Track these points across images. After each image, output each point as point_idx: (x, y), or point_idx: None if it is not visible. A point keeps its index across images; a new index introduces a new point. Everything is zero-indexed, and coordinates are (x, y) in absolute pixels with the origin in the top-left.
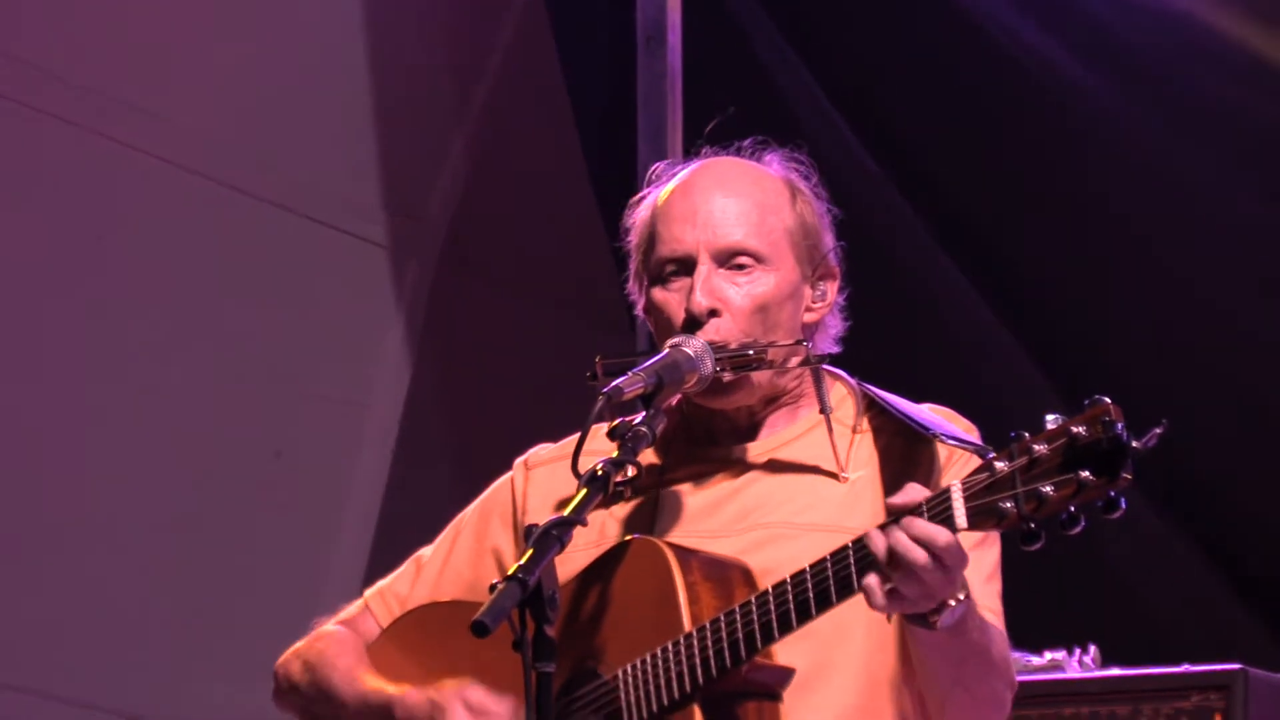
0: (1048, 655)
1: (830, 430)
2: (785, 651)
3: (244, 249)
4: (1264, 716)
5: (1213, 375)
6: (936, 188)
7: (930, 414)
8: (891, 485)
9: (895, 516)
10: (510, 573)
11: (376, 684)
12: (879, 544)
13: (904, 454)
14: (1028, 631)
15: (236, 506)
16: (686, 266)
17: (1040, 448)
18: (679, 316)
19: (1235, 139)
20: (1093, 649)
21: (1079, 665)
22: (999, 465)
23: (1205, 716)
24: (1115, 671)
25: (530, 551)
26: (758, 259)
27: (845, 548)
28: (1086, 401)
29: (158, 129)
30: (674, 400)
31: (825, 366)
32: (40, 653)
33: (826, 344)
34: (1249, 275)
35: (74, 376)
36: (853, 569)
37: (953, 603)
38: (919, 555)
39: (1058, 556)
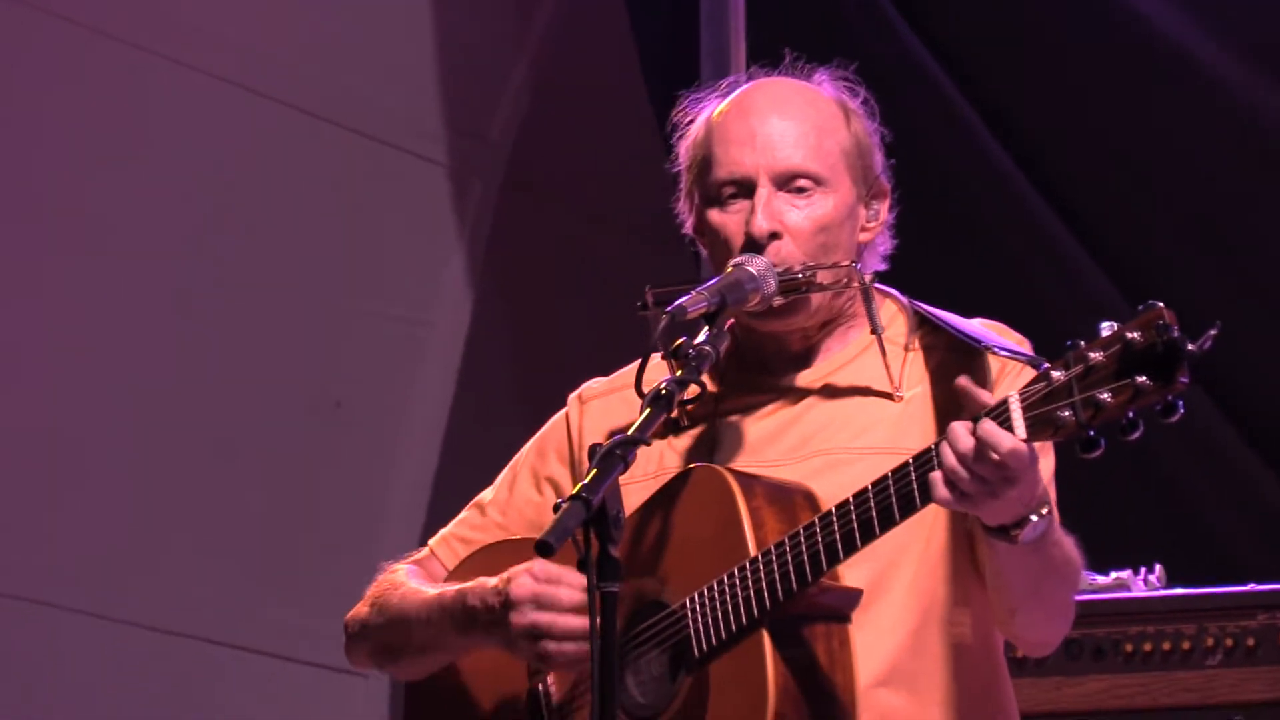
0: (1113, 574)
1: (883, 351)
2: (847, 571)
3: (307, 168)
4: None
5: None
6: (1005, 107)
7: (981, 328)
8: (944, 402)
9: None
10: (574, 492)
11: (445, 587)
12: (946, 449)
13: (956, 370)
14: (1093, 551)
15: (301, 429)
16: (745, 189)
17: (1096, 355)
18: (739, 239)
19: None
20: (1158, 568)
21: (1144, 585)
22: (1055, 374)
23: (1271, 635)
24: (1180, 591)
25: (594, 471)
26: (817, 181)
27: (906, 464)
28: (1140, 307)
29: (221, 50)
30: (728, 325)
31: (876, 285)
32: (106, 579)
33: (875, 262)
34: None
35: (150, 296)
36: (914, 485)
37: (1034, 518)
38: (983, 452)
39: (1124, 476)
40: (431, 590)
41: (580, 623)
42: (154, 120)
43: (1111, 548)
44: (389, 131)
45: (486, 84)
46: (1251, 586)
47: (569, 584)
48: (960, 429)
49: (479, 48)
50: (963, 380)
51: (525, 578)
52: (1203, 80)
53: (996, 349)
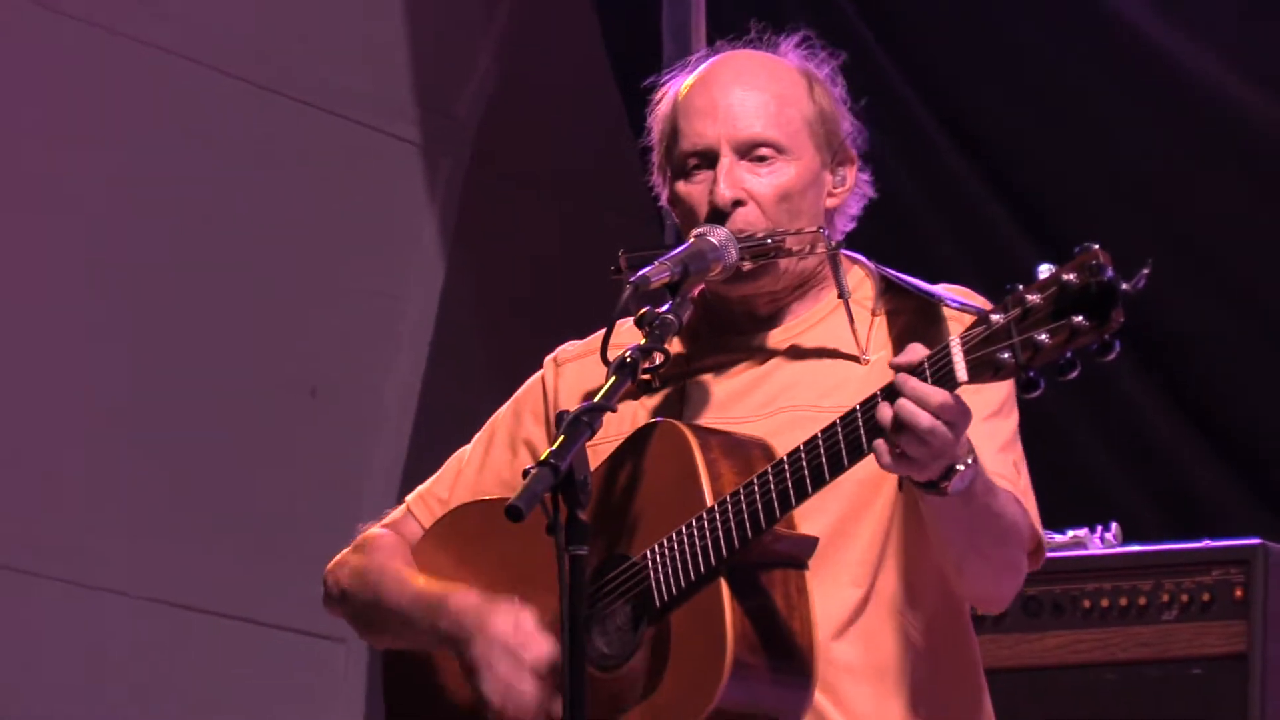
0: (1070, 533)
1: (849, 314)
2: (806, 523)
3: (279, 148)
4: None
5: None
6: (948, 87)
7: (945, 291)
8: None
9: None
10: (543, 458)
11: (426, 583)
12: (884, 413)
13: (921, 332)
14: (1050, 510)
15: (278, 402)
16: (709, 159)
17: (1033, 297)
18: (703, 208)
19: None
20: (1114, 526)
21: (1101, 542)
22: (994, 318)
23: (1226, 590)
24: (1136, 548)
25: (561, 438)
26: (778, 149)
27: (853, 411)
28: (1076, 249)
29: (191, 31)
30: (697, 290)
31: (844, 251)
32: (89, 550)
33: (845, 224)
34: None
35: (119, 276)
36: (861, 431)
37: (961, 467)
38: (921, 418)
39: (1083, 438)
40: (411, 583)
41: (533, 694)
42: (125, 103)
43: (1068, 507)
44: (360, 110)
45: (455, 63)
46: (1206, 543)
47: (536, 654)
48: (900, 400)
49: (447, 28)
50: (897, 359)
51: (507, 628)
52: (1147, 52)
53: (949, 301)
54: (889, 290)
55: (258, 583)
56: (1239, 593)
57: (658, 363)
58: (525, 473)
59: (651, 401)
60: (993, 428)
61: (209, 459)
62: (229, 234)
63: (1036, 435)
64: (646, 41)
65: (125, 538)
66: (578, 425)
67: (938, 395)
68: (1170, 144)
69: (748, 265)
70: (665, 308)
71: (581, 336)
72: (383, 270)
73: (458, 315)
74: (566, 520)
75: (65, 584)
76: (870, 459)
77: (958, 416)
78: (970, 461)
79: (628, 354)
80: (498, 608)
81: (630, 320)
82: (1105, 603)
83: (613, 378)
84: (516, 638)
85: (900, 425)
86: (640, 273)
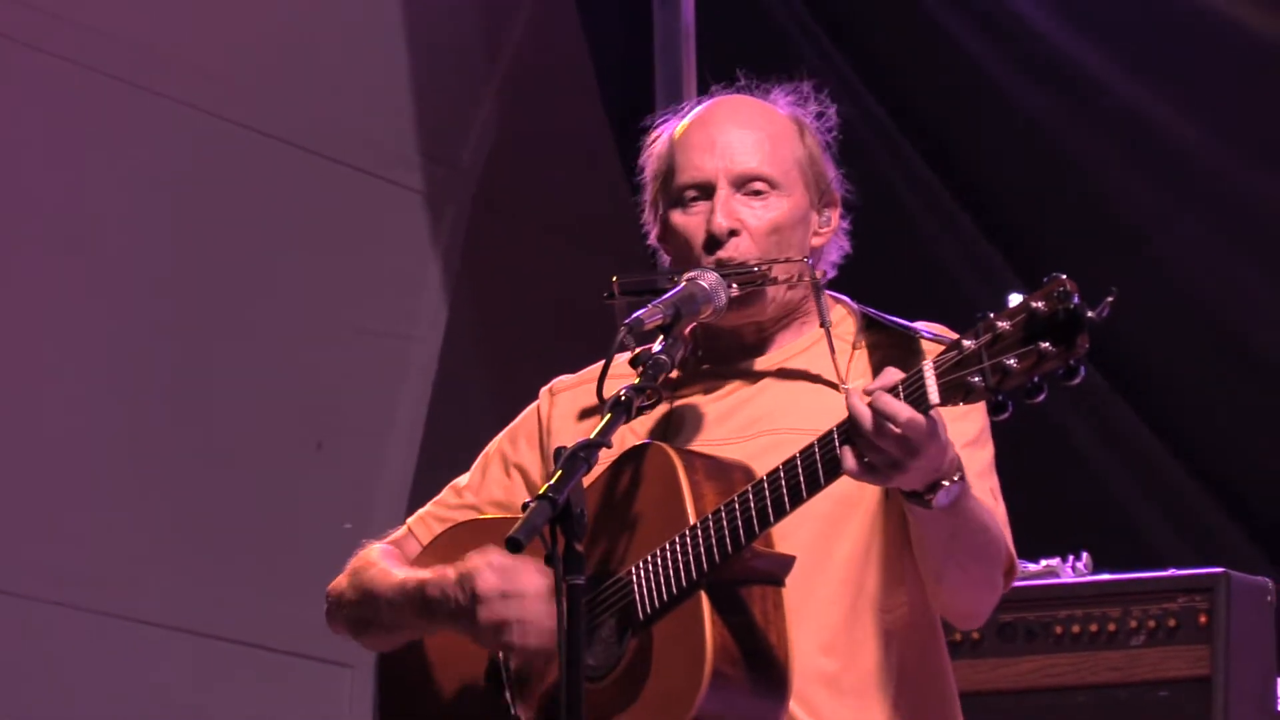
0: (1043, 562)
1: (830, 344)
2: (786, 542)
3: (286, 196)
4: (1245, 615)
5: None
6: (935, 133)
7: (921, 326)
8: None
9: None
10: (541, 492)
11: (410, 573)
12: (857, 413)
13: (898, 361)
14: (1024, 540)
15: (284, 438)
16: (706, 191)
17: (1003, 324)
18: (699, 237)
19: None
20: (1085, 556)
21: (1072, 571)
22: (966, 343)
23: (1191, 617)
24: (1106, 576)
25: (559, 472)
26: (771, 184)
27: (830, 433)
28: (1045, 279)
29: (195, 81)
30: (688, 329)
31: (829, 292)
32: (105, 579)
33: (829, 270)
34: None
35: (147, 310)
36: (838, 451)
37: (946, 483)
38: (865, 417)
39: (1055, 472)
40: (399, 574)
41: (544, 615)
42: (138, 151)
43: (1041, 537)
44: (365, 159)
45: (457, 113)
46: (1171, 572)
47: (528, 573)
48: (863, 406)
49: (450, 79)
50: (871, 384)
51: (488, 574)
52: (1108, 95)
53: (923, 333)
54: (869, 327)
55: (264, 609)
56: (1203, 619)
57: (650, 400)
58: (524, 506)
59: (641, 425)
60: (969, 456)
61: (218, 490)
62: (235, 280)
63: (1012, 467)
64: (639, 93)
65: (133, 566)
66: (575, 461)
67: (905, 411)
68: (1153, 195)
69: (735, 291)
70: (659, 348)
71: (575, 367)
72: (388, 313)
73: (461, 356)
74: (564, 551)
75: (78, 610)
76: (845, 479)
77: (920, 433)
78: (956, 479)
79: (622, 393)
80: (475, 570)
81: (624, 355)
82: (1077, 629)
83: (608, 415)
84: (509, 563)
85: (858, 429)
86: (635, 315)
